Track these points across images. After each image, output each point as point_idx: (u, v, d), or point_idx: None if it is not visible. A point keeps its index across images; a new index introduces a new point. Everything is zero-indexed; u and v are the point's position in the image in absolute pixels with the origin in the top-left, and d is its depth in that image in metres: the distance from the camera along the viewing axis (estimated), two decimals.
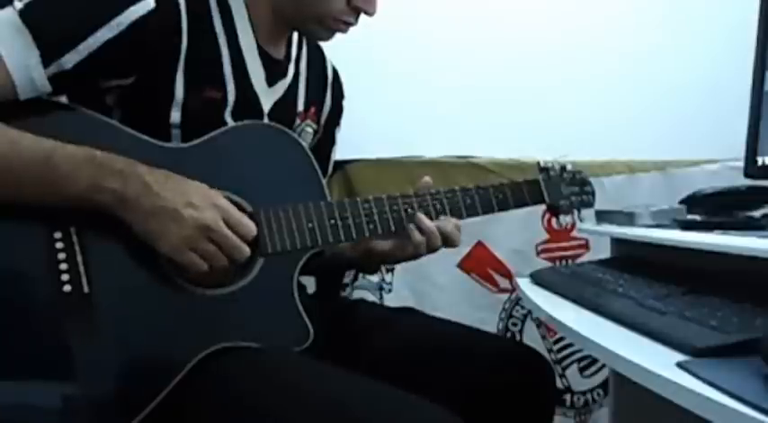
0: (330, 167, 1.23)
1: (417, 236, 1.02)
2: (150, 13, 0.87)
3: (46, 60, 0.82)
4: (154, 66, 0.90)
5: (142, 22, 0.86)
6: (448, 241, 1.04)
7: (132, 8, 0.86)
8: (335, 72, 1.20)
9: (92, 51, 0.84)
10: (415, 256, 1.06)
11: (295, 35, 1.10)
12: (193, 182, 0.87)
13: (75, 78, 0.85)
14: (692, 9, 1.96)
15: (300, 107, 1.10)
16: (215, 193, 0.87)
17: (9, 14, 0.82)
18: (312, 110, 1.13)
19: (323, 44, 1.15)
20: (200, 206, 0.84)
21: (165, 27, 0.89)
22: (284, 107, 1.06)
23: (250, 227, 0.88)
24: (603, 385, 1.77)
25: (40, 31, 0.82)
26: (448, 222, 1.04)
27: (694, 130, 1.88)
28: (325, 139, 1.19)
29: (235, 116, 0.97)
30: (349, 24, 1.01)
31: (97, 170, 0.81)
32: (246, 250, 0.88)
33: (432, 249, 1.04)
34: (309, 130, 1.13)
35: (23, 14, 0.82)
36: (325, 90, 1.17)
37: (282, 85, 1.06)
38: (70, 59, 0.84)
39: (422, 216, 1.03)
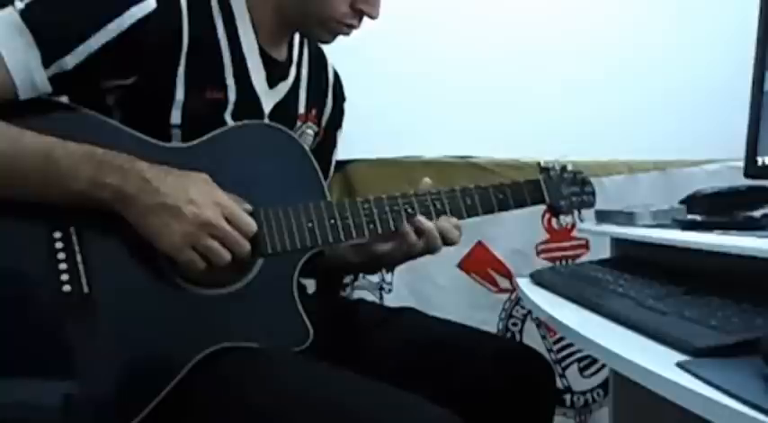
0: (331, 170, 1.23)
1: (412, 237, 1.02)
2: (151, 14, 0.87)
3: (47, 60, 0.82)
4: (154, 66, 0.90)
5: (143, 23, 0.86)
6: (447, 240, 1.04)
7: (133, 9, 0.86)
8: (336, 75, 1.20)
9: (92, 52, 0.84)
10: (412, 257, 1.06)
11: (297, 37, 1.10)
12: (193, 175, 0.87)
13: (75, 78, 0.85)
14: (692, 9, 1.95)
15: (301, 109, 1.10)
16: (215, 189, 0.87)
17: (9, 14, 0.82)
18: (313, 112, 1.13)
19: (324, 45, 1.14)
20: (201, 203, 0.84)
21: (166, 28, 0.89)
22: (285, 109, 1.06)
23: (250, 223, 0.88)
24: (603, 385, 1.77)
25: (41, 31, 0.82)
26: (447, 222, 1.04)
27: (694, 130, 1.88)
28: (326, 141, 1.19)
29: (235, 117, 0.97)
30: (352, 27, 1.01)
31: (97, 166, 0.81)
32: (247, 246, 0.88)
33: (432, 249, 1.04)
34: (310, 132, 1.13)
35: (24, 14, 0.82)
36: (326, 92, 1.17)
37: (284, 87, 1.06)
38: (71, 60, 0.84)
39: (421, 217, 1.03)
